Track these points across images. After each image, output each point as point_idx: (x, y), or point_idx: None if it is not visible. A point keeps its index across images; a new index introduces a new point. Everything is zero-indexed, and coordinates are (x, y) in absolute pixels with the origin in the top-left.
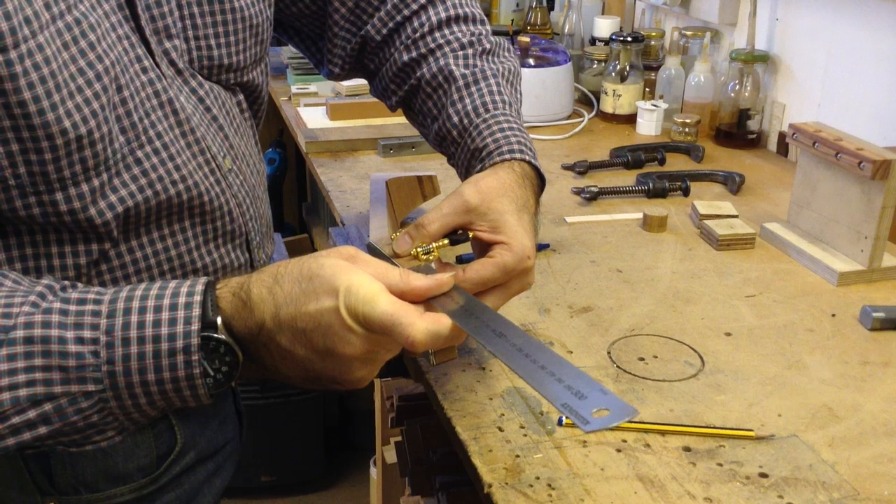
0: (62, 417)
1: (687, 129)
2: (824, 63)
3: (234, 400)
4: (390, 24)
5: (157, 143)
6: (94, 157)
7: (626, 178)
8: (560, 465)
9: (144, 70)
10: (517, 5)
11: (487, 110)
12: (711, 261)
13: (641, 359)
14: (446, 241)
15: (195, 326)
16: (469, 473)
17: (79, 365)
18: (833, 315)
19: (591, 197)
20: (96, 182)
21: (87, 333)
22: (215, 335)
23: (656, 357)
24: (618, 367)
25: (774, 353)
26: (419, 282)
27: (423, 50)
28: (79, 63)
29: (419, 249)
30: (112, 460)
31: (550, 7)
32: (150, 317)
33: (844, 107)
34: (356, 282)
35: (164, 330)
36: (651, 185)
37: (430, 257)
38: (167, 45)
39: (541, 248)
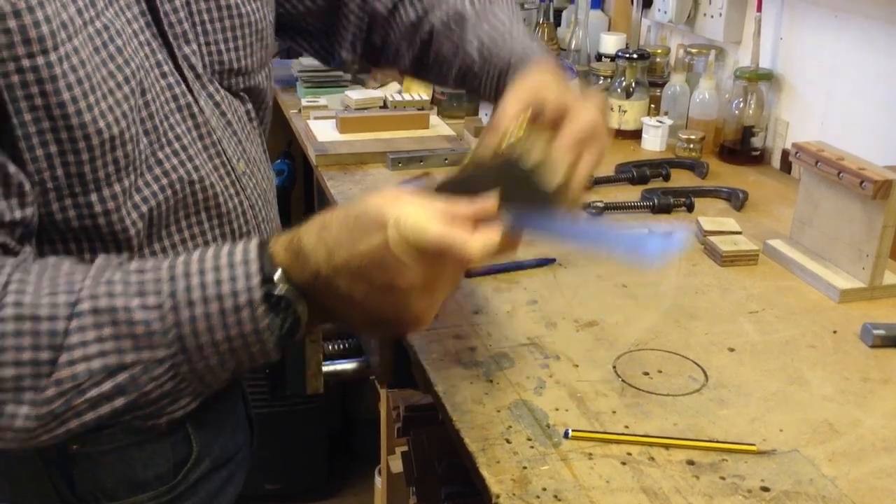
0: (137, 387)
1: (692, 146)
2: (827, 82)
3: (245, 407)
4: None
5: (177, 145)
6: (124, 158)
7: (632, 194)
8: (566, 478)
9: (164, 75)
10: (524, 21)
11: (504, 39)
12: (715, 277)
13: (646, 373)
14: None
15: (256, 281)
16: (477, 484)
17: (147, 332)
18: (834, 332)
19: (598, 212)
20: (126, 182)
21: (151, 300)
22: (276, 289)
23: (661, 372)
24: (623, 381)
25: (776, 369)
26: (465, 209)
27: (427, 3)
28: (109, 66)
29: (506, 140)
30: (131, 468)
31: (557, 23)
32: (210, 277)
33: (847, 125)
34: (404, 212)
35: (226, 288)
36: (656, 200)
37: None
38: (186, 50)
39: (547, 262)
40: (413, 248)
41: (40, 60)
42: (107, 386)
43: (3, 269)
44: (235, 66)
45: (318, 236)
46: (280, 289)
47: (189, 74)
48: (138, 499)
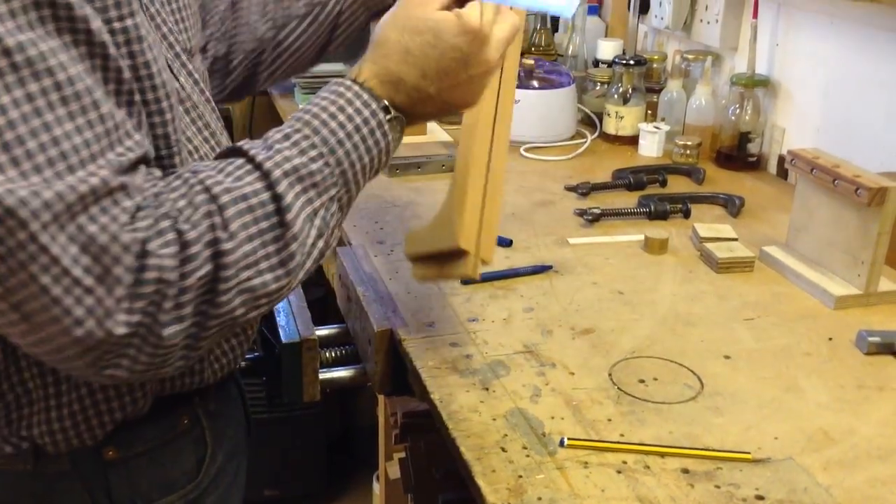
0: (326, 225)
1: (688, 151)
2: (823, 89)
3: (242, 402)
4: None
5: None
6: (191, 122)
7: (628, 200)
8: (562, 486)
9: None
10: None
11: None
12: (711, 283)
13: (642, 381)
14: None
15: (374, 106)
16: (473, 493)
17: (322, 178)
18: (830, 339)
19: (594, 219)
20: (191, 146)
21: (313, 153)
22: (391, 112)
23: (656, 379)
24: (619, 389)
25: (772, 377)
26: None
27: None
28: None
29: None
30: (162, 468)
31: (554, 29)
32: (341, 117)
33: (843, 132)
34: (438, 15)
35: (358, 120)
36: (652, 207)
37: None
38: (164, 29)
39: (544, 269)
40: (484, 41)
41: (129, 22)
42: (312, 232)
43: (196, 175)
44: (189, 45)
45: (406, 62)
46: (392, 112)
47: (168, 53)
48: (170, 499)
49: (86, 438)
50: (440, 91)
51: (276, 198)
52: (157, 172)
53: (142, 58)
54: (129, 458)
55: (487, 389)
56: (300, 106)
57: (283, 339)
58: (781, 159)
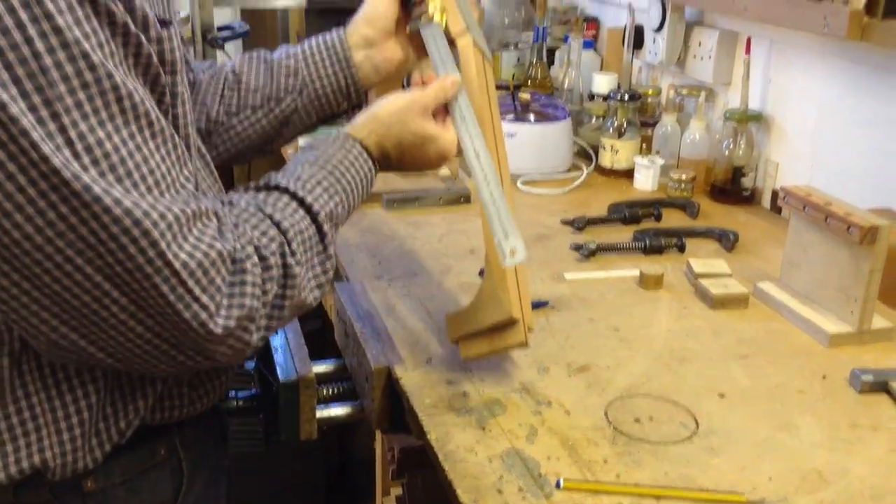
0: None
1: (683, 185)
2: (816, 124)
3: (222, 429)
4: None
5: None
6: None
7: (624, 234)
8: None
9: None
10: (518, 60)
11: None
12: (706, 319)
13: (637, 420)
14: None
15: (372, 171)
16: None
17: (340, 216)
18: (824, 377)
19: (590, 253)
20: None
21: (337, 198)
22: (376, 169)
23: (652, 419)
24: (615, 428)
25: (766, 416)
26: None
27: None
28: None
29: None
30: (139, 496)
31: (550, 62)
32: (353, 173)
33: (835, 167)
34: (406, 104)
35: (363, 173)
36: (647, 242)
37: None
38: None
39: (540, 305)
40: (424, 108)
41: (164, 33)
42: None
43: (261, 210)
44: None
45: (396, 147)
46: (376, 169)
47: None
48: None
49: (88, 461)
50: (406, 165)
51: (322, 234)
52: (224, 199)
53: (183, 108)
54: (107, 489)
55: (484, 429)
56: (299, 140)
57: (281, 378)
58: (775, 194)
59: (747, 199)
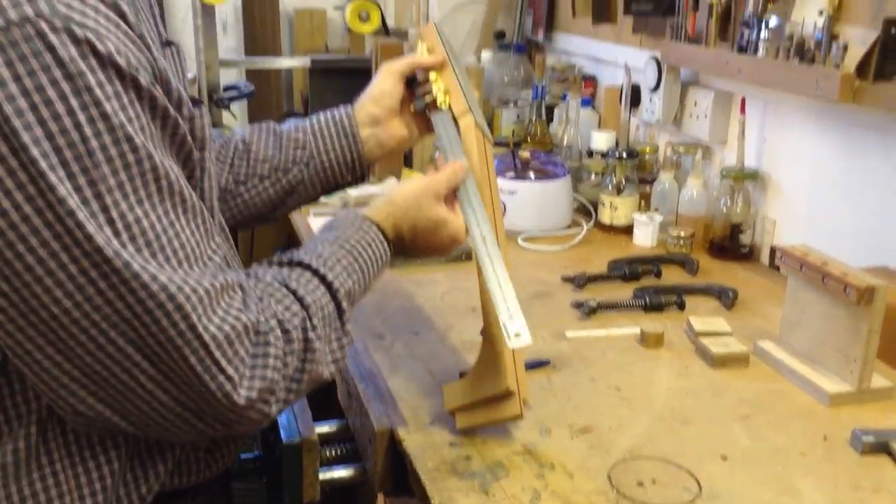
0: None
1: (682, 241)
2: (811, 183)
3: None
4: None
5: None
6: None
7: (624, 291)
8: None
9: None
10: (517, 117)
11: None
12: (707, 378)
13: (640, 483)
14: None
15: (388, 252)
16: None
17: (357, 294)
18: (825, 438)
19: (591, 311)
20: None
21: (355, 276)
22: (391, 251)
23: (655, 482)
24: (618, 492)
25: (768, 479)
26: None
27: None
28: None
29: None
30: None
31: (549, 119)
32: (370, 253)
33: (831, 225)
34: (421, 190)
35: (380, 253)
36: (648, 299)
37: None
38: None
39: (541, 364)
40: (437, 194)
41: (196, 112)
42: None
43: (286, 285)
44: None
45: (411, 230)
46: (391, 251)
47: None
48: None
49: None
50: (419, 248)
51: (340, 311)
52: (249, 272)
53: (209, 182)
54: None
55: (487, 493)
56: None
57: (284, 440)
58: (773, 251)
59: (746, 255)
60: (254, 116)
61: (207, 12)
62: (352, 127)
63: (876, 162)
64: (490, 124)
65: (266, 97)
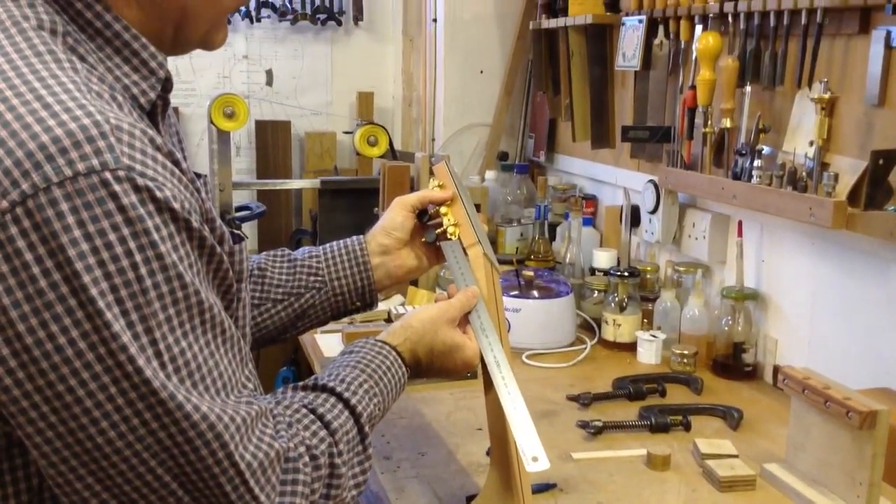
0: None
1: (685, 360)
2: (810, 304)
3: None
4: None
5: None
6: None
7: (629, 410)
8: None
9: None
10: (521, 235)
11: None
12: (714, 503)
13: None
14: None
15: (405, 376)
16: None
17: (378, 417)
18: None
19: (597, 431)
20: None
21: (376, 399)
22: (407, 375)
23: None
24: None
25: None
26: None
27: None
28: None
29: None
30: None
31: (552, 238)
32: (389, 375)
33: (832, 346)
34: (437, 315)
35: (397, 377)
36: (653, 420)
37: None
38: None
39: (548, 487)
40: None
41: (236, 248)
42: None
43: (313, 411)
44: None
45: (427, 355)
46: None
47: None
48: None
49: None
50: (435, 371)
51: (363, 435)
52: (277, 398)
53: (243, 311)
54: None
55: None
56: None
57: None
58: (776, 370)
59: (749, 374)
60: (264, 234)
61: (223, 137)
62: (363, 256)
63: (872, 285)
64: (494, 242)
65: (276, 215)
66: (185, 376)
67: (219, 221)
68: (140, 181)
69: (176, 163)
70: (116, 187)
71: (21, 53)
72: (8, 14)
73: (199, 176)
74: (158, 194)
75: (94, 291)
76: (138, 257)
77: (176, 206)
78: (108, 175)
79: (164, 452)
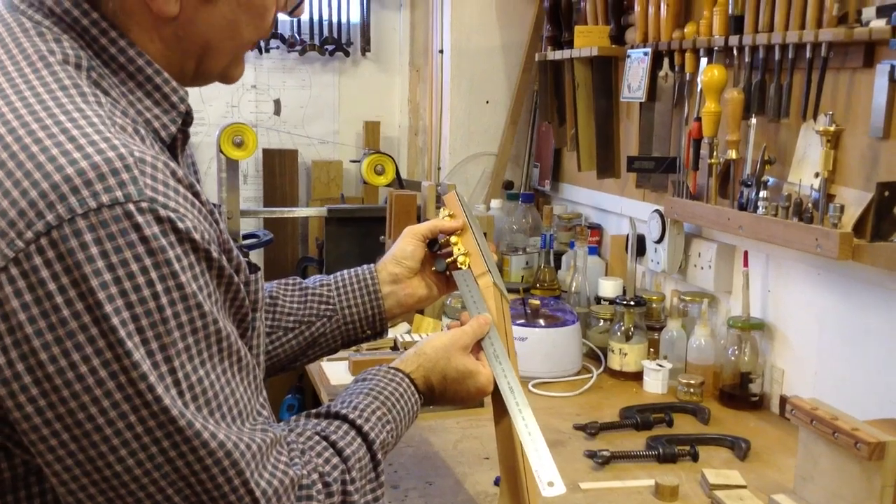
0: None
1: (692, 390)
2: (817, 334)
3: None
4: None
5: None
6: None
7: (637, 440)
8: None
9: None
10: (527, 263)
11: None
12: None
13: None
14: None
15: (418, 404)
16: None
17: (391, 444)
18: None
19: (604, 461)
20: None
21: (389, 427)
22: (421, 401)
23: None
24: None
25: None
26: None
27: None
28: None
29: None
30: None
31: (557, 266)
32: (402, 401)
33: (839, 376)
34: (450, 342)
35: (410, 404)
36: (661, 450)
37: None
38: None
39: None
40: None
41: (252, 277)
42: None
43: (326, 438)
44: None
45: (440, 382)
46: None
47: None
48: None
49: None
50: (448, 398)
51: (375, 462)
52: (290, 426)
53: (258, 340)
54: None
55: None
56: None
57: None
58: (783, 400)
59: (756, 404)
60: (270, 262)
61: (231, 166)
62: (374, 284)
63: (879, 316)
64: (500, 270)
65: (282, 243)
66: (202, 404)
67: (236, 251)
68: (162, 212)
69: (196, 194)
70: (139, 218)
71: (47, 87)
72: (35, 48)
73: (215, 206)
74: (180, 225)
75: (115, 321)
76: (160, 287)
77: (196, 236)
78: (131, 206)
79: (182, 480)
